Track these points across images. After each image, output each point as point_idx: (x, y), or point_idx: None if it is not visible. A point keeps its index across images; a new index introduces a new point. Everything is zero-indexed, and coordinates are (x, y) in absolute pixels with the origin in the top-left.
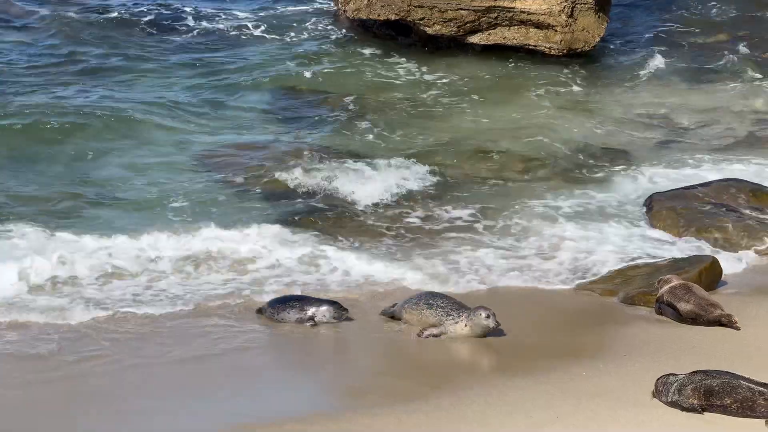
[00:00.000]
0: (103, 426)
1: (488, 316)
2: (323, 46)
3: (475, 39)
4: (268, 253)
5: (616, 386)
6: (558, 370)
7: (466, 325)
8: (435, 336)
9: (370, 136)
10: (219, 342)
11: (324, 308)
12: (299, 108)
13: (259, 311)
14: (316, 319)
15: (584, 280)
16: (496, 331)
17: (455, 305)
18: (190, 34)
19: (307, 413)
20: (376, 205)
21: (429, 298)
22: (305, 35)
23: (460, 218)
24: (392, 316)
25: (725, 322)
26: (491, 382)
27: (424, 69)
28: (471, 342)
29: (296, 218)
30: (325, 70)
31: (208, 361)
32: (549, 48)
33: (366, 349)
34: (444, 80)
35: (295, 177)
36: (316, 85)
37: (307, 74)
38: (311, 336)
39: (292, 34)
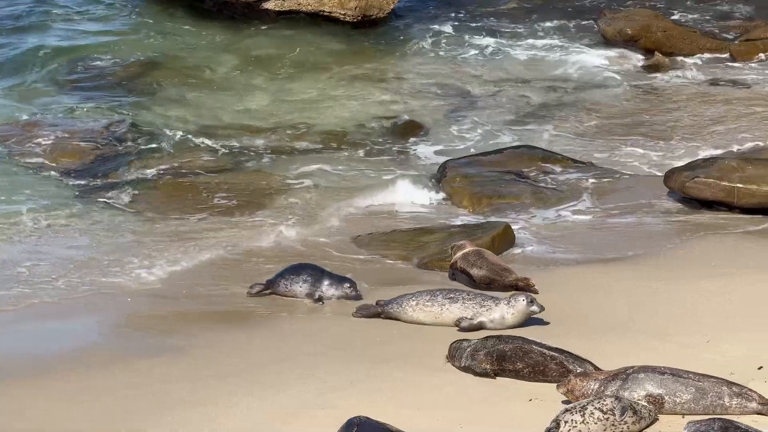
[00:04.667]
0: None
1: (531, 302)
2: (113, 12)
3: (270, 5)
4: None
5: (409, 351)
6: (353, 336)
7: (506, 314)
8: (475, 328)
9: (159, 108)
10: None
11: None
12: (89, 79)
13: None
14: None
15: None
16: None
17: (481, 294)
18: None
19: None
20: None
21: (449, 293)
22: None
23: (250, 191)
24: (377, 315)
25: (522, 285)
26: (285, 348)
27: (218, 38)
28: (266, 308)
29: (90, 193)
30: (116, 38)
31: None
32: (344, 14)
33: (170, 304)
34: (237, 50)
35: (86, 153)
36: (105, 54)
37: (97, 43)
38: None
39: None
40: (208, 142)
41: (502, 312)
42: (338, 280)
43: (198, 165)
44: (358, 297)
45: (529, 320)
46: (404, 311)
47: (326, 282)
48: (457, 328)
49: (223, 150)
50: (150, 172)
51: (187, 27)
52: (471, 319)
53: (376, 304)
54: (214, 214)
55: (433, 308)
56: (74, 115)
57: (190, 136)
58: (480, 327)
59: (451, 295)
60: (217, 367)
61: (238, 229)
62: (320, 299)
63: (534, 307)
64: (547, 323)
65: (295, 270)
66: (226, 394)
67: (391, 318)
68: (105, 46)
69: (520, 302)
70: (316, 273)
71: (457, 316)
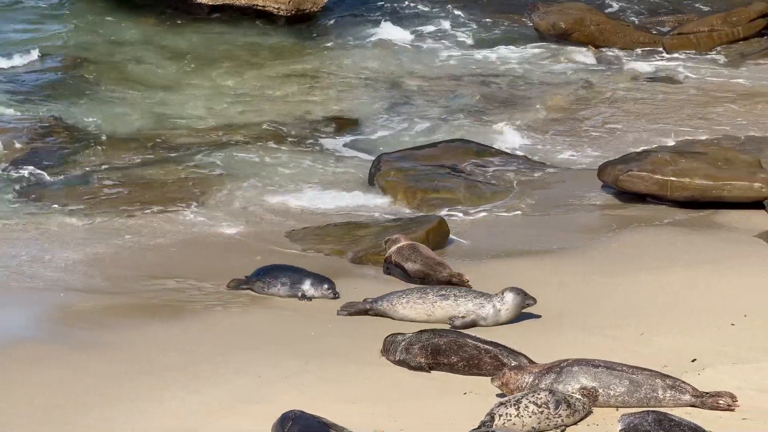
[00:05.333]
0: None
1: (525, 295)
2: (40, 6)
3: None
4: None
5: (344, 345)
6: (287, 330)
7: (500, 310)
8: (468, 325)
9: (89, 104)
10: None
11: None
12: (17, 74)
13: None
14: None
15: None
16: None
17: (475, 292)
18: None
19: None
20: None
21: (440, 290)
22: None
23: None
24: (364, 312)
25: (456, 281)
26: (220, 343)
27: (150, 33)
28: (199, 302)
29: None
30: (44, 33)
31: None
32: (277, 9)
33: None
34: (170, 45)
35: (13, 149)
36: (33, 49)
37: (25, 38)
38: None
39: None
40: (139, 137)
41: (495, 308)
42: (319, 280)
43: (129, 160)
44: (337, 298)
45: None
46: (395, 309)
47: (306, 283)
48: (450, 326)
49: (155, 145)
50: (79, 167)
51: (118, 21)
52: (464, 317)
53: (363, 301)
54: (146, 208)
55: (425, 306)
56: (0, 111)
57: (120, 132)
58: (473, 324)
59: (443, 293)
60: (151, 361)
61: (171, 224)
62: (305, 296)
63: (529, 300)
64: (539, 316)
65: (274, 271)
66: (160, 389)
67: (379, 315)
68: (33, 40)
69: (512, 296)
70: (296, 274)
71: (450, 313)
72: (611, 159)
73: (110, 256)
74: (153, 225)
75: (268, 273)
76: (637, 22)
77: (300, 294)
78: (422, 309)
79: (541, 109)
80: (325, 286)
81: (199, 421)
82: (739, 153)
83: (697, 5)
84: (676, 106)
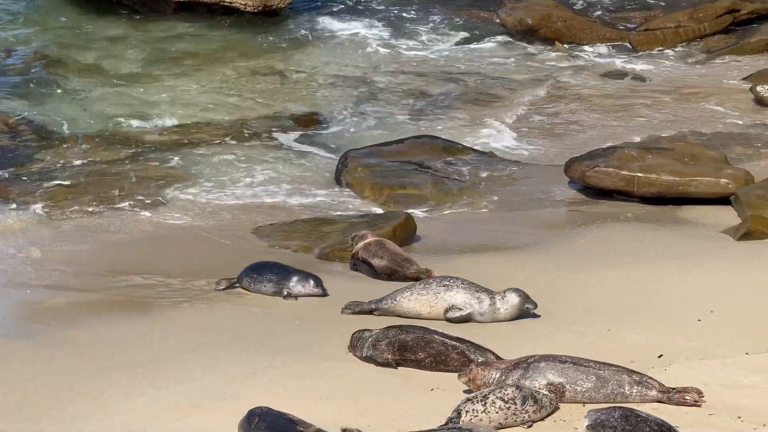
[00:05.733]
0: None
1: (520, 296)
2: (4, 3)
3: None
4: None
5: (311, 342)
6: (255, 327)
7: (499, 309)
8: (463, 319)
9: (55, 102)
10: None
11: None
12: None
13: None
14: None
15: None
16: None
17: (477, 285)
18: None
19: None
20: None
21: (443, 280)
22: None
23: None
24: (370, 311)
25: (424, 277)
26: (187, 339)
27: (116, 30)
28: (166, 299)
29: None
30: (9, 31)
31: None
32: (245, 4)
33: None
34: (136, 42)
35: None
36: None
37: None
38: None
39: None
40: (103, 134)
41: (494, 306)
42: (304, 277)
43: (93, 157)
44: (325, 294)
45: None
46: (399, 304)
47: (293, 279)
48: (444, 318)
49: (120, 142)
50: (43, 164)
51: (83, 19)
52: (460, 309)
53: (369, 302)
54: (111, 205)
55: (428, 296)
56: None
57: (85, 129)
58: (468, 319)
59: (446, 283)
60: (118, 358)
61: (137, 220)
62: (290, 295)
63: (528, 305)
64: (539, 315)
65: (259, 268)
66: (127, 385)
67: (386, 314)
68: None
69: (514, 298)
70: (282, 271)
71: (451, 303)
72: (578, 155)
73: (76, 252)
74: (119, 221)
75: (255, 270)
76: (604, 18)
77: (285, 293)
78: (427, 301)
79: (507, 105)
80: (312, 282)
81: (167, 418)
82: (705, 149)
83: (663, 2)
84: (643, 102)
